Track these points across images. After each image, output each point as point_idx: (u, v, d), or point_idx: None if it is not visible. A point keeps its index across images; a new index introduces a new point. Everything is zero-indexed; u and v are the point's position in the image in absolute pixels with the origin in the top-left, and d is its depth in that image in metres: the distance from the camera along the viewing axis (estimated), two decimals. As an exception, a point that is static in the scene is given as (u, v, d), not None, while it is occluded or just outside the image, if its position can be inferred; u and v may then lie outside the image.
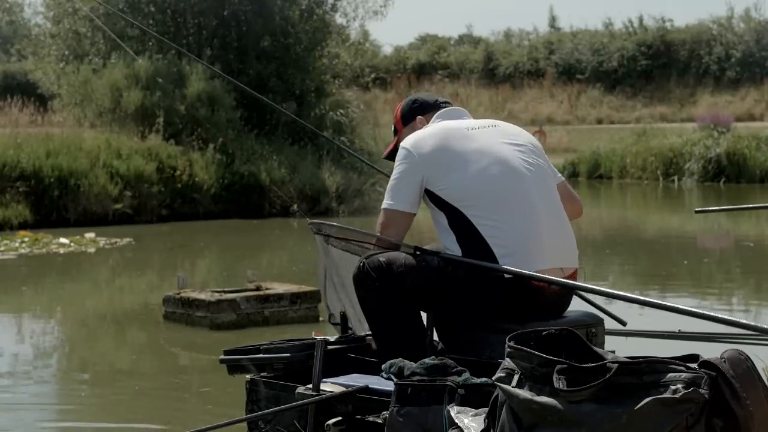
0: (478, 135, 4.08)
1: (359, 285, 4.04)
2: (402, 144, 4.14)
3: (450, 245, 4.00)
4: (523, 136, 4.21)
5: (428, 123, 4.27)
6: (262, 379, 4.16)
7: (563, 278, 3.96)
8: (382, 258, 4.01)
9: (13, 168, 16.13)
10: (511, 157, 4.05)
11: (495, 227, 3.92)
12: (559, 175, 4.32)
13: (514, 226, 3.92)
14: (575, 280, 4.09)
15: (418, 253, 4.04)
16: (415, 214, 4.10)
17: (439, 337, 4.06)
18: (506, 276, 3.87)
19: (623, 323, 4.47)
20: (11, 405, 6.15)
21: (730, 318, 3.49)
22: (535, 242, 3.93)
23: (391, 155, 4.34)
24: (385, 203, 4.10)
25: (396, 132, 4.41)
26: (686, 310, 3.55)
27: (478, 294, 3.92)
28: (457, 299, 3.95)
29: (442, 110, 4.30)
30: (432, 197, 4.04)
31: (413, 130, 4.25)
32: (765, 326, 3.48)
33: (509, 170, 4.01)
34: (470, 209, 3.95)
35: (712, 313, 3.56)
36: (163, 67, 18.94)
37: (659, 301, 3.74)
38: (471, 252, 3.93)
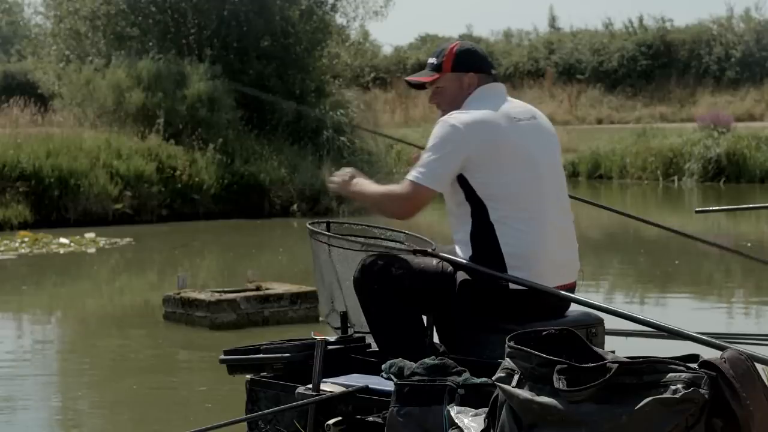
0: (522, 130, 4.03)
1: (359, 287, 4.04)
2: (451, 120, 3.99)
3: (462, 236, 3.99)
4: (554, 133, 4.19)
5: (476, 86, 4.10)
6: (262, 379, 4.16)
7: (564, 288, 4.01)
8: (381, 260, 4.02)
9: (13, 168, 16.10)
10: (542, 163, 4.03)
11: (512, 235, 3.92)
12: None
13: (530, 238, 3.92)
14: (575, 286, 4.12)
15: (417, 254, 4.04)
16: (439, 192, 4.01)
17: (439, 337, 4.07)
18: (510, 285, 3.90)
19: None
20: (9, 405, 6.15)
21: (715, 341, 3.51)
22: (546, 261, 3.95)
23: (419, 86, 4.19)
24: (417, 177, 3.97)
25: (440, 68, 4.14)
26: (670, 329, 3.62)
27: (478, 297, 3.93)
28: (457, 301, 3.95)
29: (487, 86, 4.14)
30: (463, 183, 3.98)
31: (459, 81, 4.11)
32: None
33: (538, 179, 4.00)
34: (495, 211, 3.93)
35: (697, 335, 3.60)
36: (164, 67, 18.93)
37: (650, 320, 3.77)
38: (481, 252, 3.93)
